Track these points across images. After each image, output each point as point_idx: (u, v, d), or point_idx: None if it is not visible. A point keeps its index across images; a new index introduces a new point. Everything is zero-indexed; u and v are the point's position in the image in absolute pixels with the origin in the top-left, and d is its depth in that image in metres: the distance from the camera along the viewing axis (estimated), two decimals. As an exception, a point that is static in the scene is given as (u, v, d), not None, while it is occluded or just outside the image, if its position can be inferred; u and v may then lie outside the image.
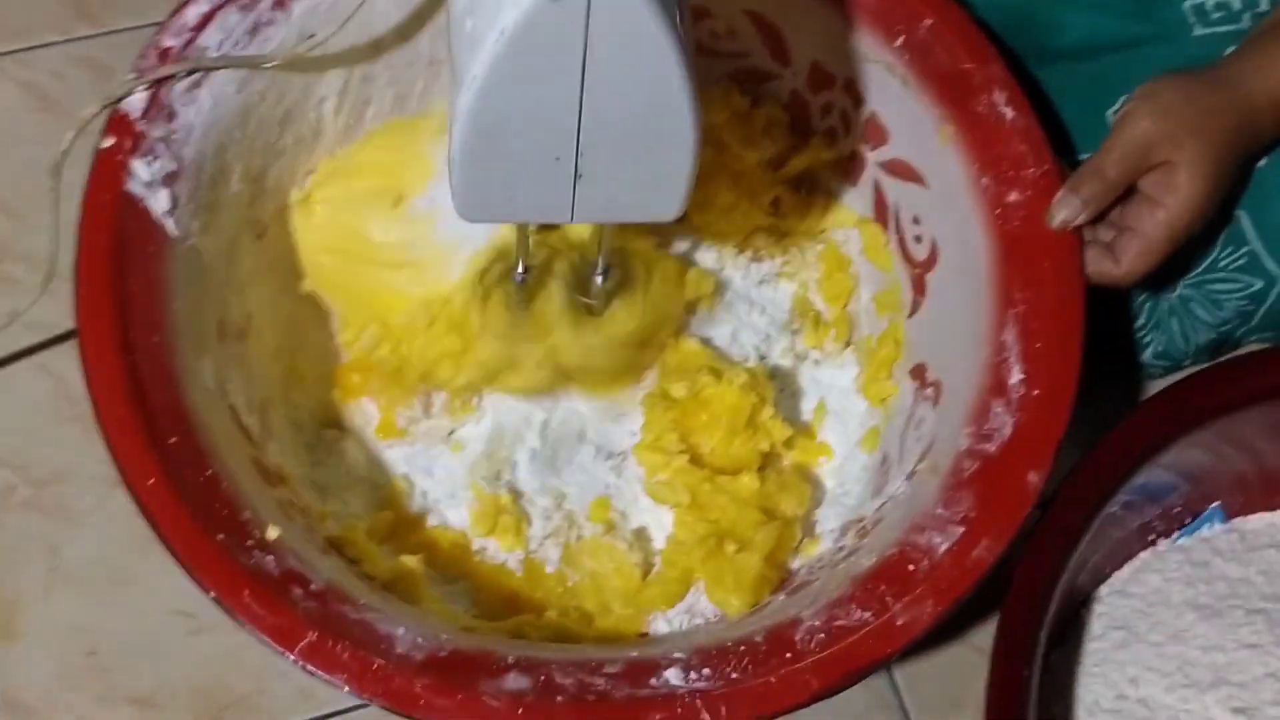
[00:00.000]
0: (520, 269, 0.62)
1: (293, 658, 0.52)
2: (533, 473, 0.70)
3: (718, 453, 0.68)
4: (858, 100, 0.70)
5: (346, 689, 0.51)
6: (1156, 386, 0.74)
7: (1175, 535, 0.70)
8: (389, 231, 0.65)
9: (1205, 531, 0.71)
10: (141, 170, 0.60)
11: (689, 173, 0.49)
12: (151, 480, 0.54)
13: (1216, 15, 0.68)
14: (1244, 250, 0.65)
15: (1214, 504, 0.70)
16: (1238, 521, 0.71)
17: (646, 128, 0.47)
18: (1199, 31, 0.68)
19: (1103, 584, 0.70)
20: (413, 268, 0.65)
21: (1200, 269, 0.67)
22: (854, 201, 0.74)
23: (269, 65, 0.62)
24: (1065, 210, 0.61)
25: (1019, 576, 0.60)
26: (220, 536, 0.54)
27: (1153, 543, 0.70)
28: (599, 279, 0.64)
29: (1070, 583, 0.62)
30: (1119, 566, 0.70)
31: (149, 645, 0.69)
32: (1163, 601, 0.68)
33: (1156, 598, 0.68)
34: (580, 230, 0.66)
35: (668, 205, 0.51)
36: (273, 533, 0.55)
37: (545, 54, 0.44)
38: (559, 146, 0.47)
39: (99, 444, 0.55)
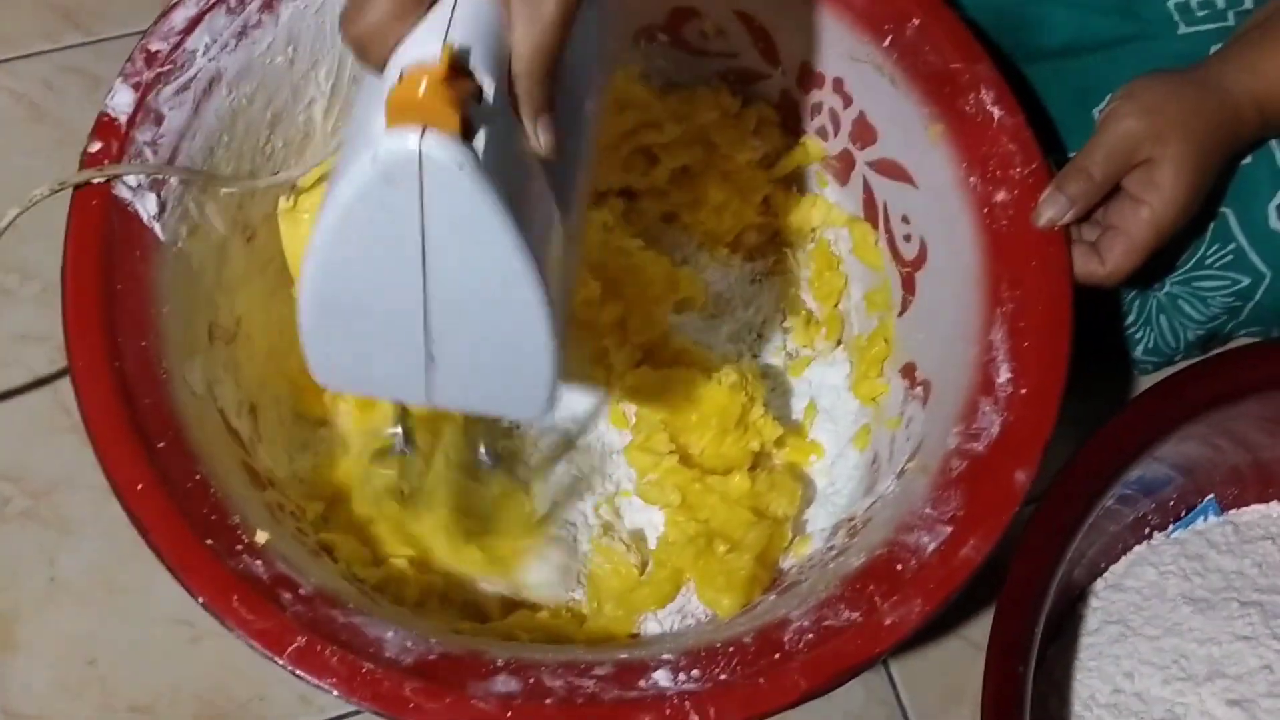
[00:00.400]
0: (400, 437, 0.61)
1: (281, 662, 0.52)
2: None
3: (708, 453, 0.69)
4: (847, 100, 0.70)
5: (335, 693, 0.51)
6: (1147, 382, 0.74)
7: (1170, 528, 0.70)
8: None
9: (1200, 524, 0.71)
10: (129, 174, 0.60)
11: (549, 372, 0.46)
12: (140, 485, 0.54)
13: (1202, 13, 0.68)
14: (1230, 247, 0.65)
15: (1208, 497, 0.70)
16: (1232, 514, 0.71)
17: (496, 318, 0.45)
18: (1184, 30, 0.68)
19: (1098, 578, 0.70)
20: None
21: (1188, 266, 0.67)
22: (844, 200, 0.74)
23: (230, 189, 0.63)
24: (1051, 209, 0.61)
25: (1014, 572, 0.60)
26: (209, 541, 0.54)
27: (1148, 536, 0.70)
28: (485, 463, 0.64)
29: (1065, 577, 0.62)
30: (1114, 560, 0.70)
31: (148, 654, 0.69)
32: (1158, 595, 0.68)
33: (1152, 591, 0.68)
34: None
35: (530, 403, 0.48)
36: (262, 537, 0.55)
37: (381, 231, 0.42)
38: (405, 326, 0.45)
39: (95, 452, 0.55)
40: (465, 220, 0.42)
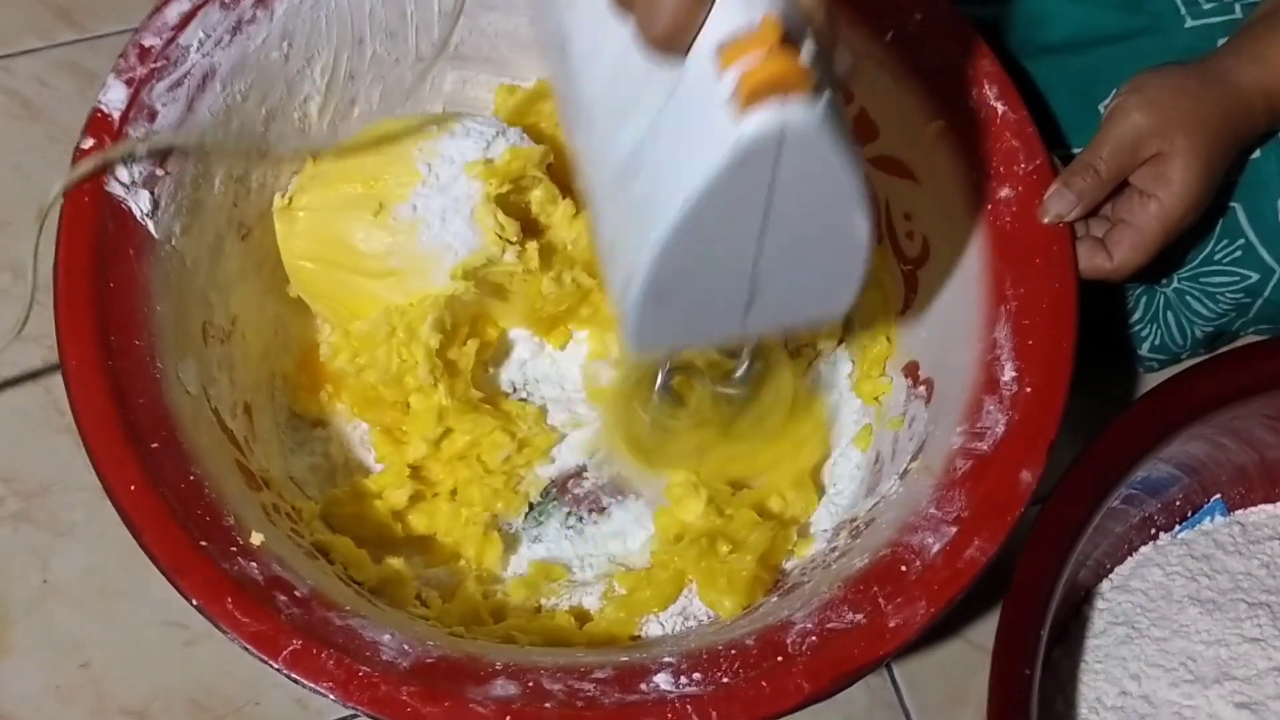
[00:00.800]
0: (661, 383, 0.62)
1: (277, 666, 0.51)
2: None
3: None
4: (847, 96, 0.69)
5: (331, 697, 0.50)
6: (1153, 379, 0.74)
7: (1176, 529, 0.70)
8: (371, 240, 0.64)
9: (1207, 524, 0.70)
10: (121, 171, 0.59)
11: (862, 274, 0.48)
12: (133, 485, 0.53)
13: (1209, 6, 0.67)
14: (1239, 243, 0.65)
15: (1215, 496, 0.69)
16: (1239, 514, 0.70)
17: (822, 244, 0.46)
18: (1191, 23, 0.67)
19: (1104, 579, 0.69)
20: (395, 276, 0.64)
21: (1195, 262, 0.66)
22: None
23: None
24: (1058, 205, 0.60)
25: (1019, 574, 0.60)
26: (203, 543, 0.53)
27: (1154, 536, 0.69)
28: (742, 372, 0.63)
29: (1071, 578, 0.62)
30: (1120, 561, 0.69)
31: (142, 657, 0.68)
32: (1165, 596, 0.67)
33: (1158, 592, 0.68)
34: None
35: (838, 305, 0.49)
36: (256, 538, 0.54)
37: (728, 216, 0.43)
38: (733, 278, 0.46)
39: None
40: (818, 173, 0.42)
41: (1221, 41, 0.65)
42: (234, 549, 0.54)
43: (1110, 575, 0.69)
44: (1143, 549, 0.70)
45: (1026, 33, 0.70)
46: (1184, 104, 0.59)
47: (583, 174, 0.50)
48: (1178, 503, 0.69)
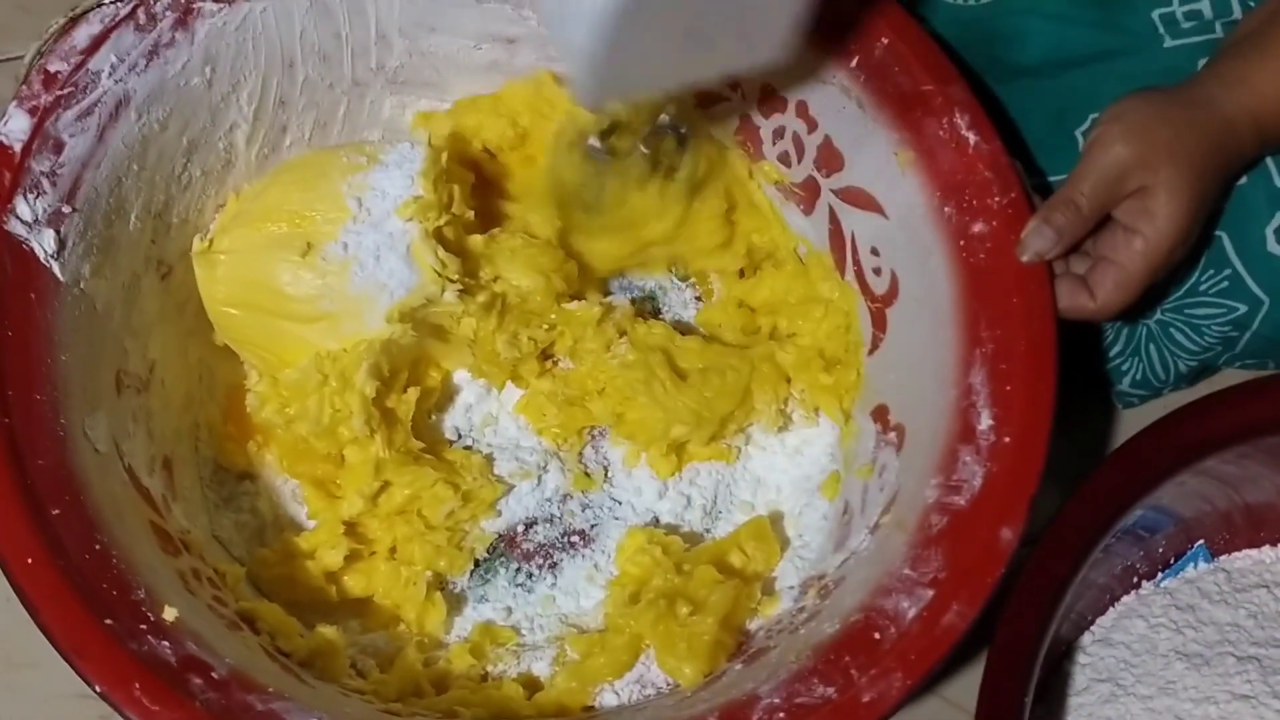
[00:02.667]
0: (598, 141, 0.62)
1: (189, 758, 0.46)
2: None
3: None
4: (811, 124, 0.66)
5: (250, 792, 0.46)
6: (1130, 416, 0.70)
7: (1159, 576, 0.66)
8: (299, 283, 0.59)
9: (1190, 571, 0.67)
10: (23, 208, 0.55)
11: (795, 14, 0.49)
12: (30, 558, 0.48)
13: (1188, 25, 0.64)
14: (1225, 273, 0.61)
15: (1198, 542, 0.66)
16: (1223, 559, 0.68)
17: None
18: (1170, 42, 0.64)
19: (1085, 631, 0.66)
20: (326, 320, 0.60)
21: (1180, 293, 0.63)
22: (808, 231, 0.70)
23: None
24: (1037, 243, 0.56)
25: (1002, 633, 0.56)
26: (108, 620, 0.48)
27: (1136, 585, 0.66)
28: (677, 136, 0.63)
29: (1053, 634, 0.58)
30: (1101, 612, 0.66)
31: (53, 733, 0.63)
32: (1149, 650, 0.64)
33: (1142, 646, 0.64)
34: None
35: (768, 48, 0.51)
36: (170, 613, 0.50)
37: None
38: (682, 15, 0.47)
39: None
40: None
41: (1202, 62, 0.62)
42: (144, 626, 0.49)
43: (1092, 628, 0.66)
44: (1125, 599, 0.66)
45: (996, 53, 0.66)
46: (1168, 133, 0.56)
47: None
48: (1160, 549, 0.66)
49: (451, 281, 0.60)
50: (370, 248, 0.60)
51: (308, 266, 0.59)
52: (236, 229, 0.60)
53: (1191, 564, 0.67)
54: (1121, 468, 0.59)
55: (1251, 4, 0.63)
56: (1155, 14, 0.64)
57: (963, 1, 0.67)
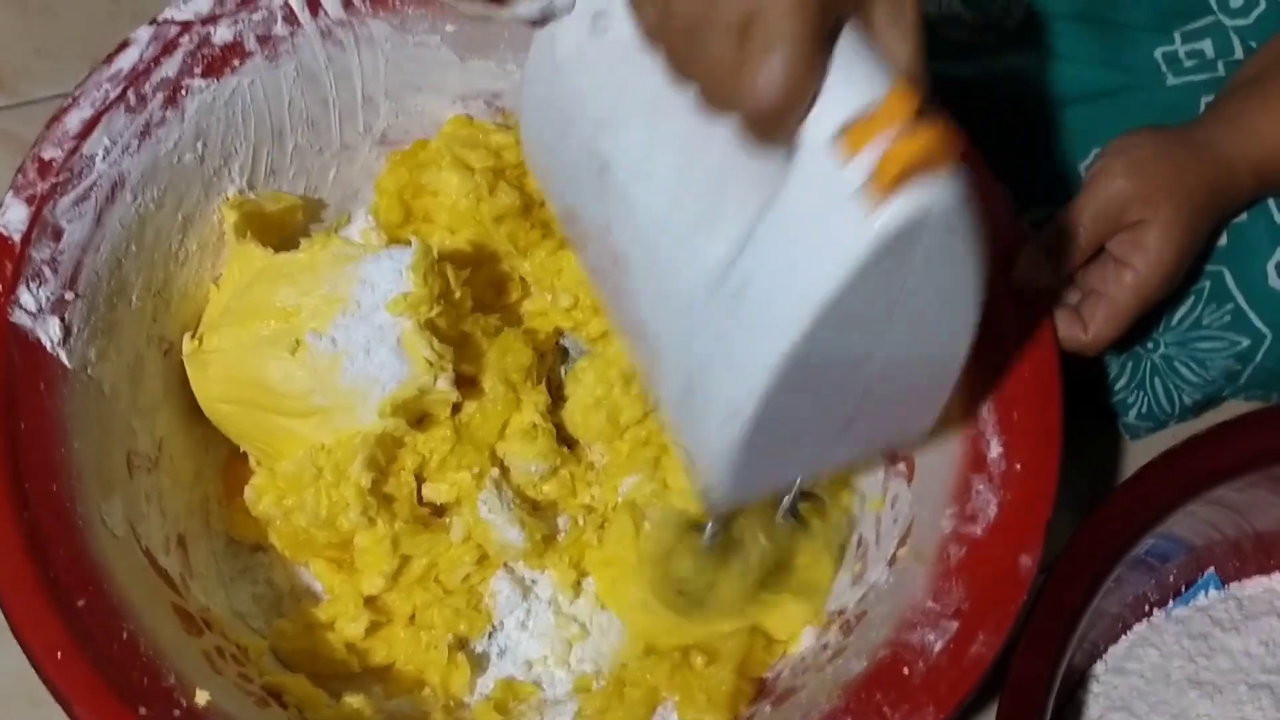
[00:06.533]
0: (712, 530, 0.56)
1: (234, 844, 0.46)
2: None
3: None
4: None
5: None
6: (1136, 446, 0.71)
7: (1171, 604, 0.67)
8: (291, 380, 0.58)
9: (1202, 599, 0.67)
10: (27, 298, 0.54)
11: (951, 391, 0.44)
12: (60, 653, 0.48)
13: (1190, 63, 0.65)
14: (1228, 307, 0.62)
15: (1209, 570, 0.66)
16: (1234, 587, 0.68)
17: (929, 360, 0.41)
18: (1173, 80, 0.65)
19: (1098, 660, 0.66)
20: (319, 415, 0.59)
21: (1184, 327, 0.64)
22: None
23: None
24: (1034, 271, 0.57)
25: (1017, 663, 0.56)
26: (142, 710, 0.48)
27: (1148, 614, 0.66)
28: (787, 514, 0.57)
29: (1067, 663, 0.58)
30: (1114, 641, 0.66)
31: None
32: (1162, 678, 0.64)
33: (1155, 674, 0.65)
34: None
35: (922, 424, 0.45)
36: (202, 697, 0.50)
37: (861, 312, 0.37)
38: (845, 398, 0.40)
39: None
40: (951, 258, 0.37)
41: (1205, 100, 0.63)
42: (177, 712, 0.49)
43: (1104, 656, 0.66)
44: (1137, 627, 0.67)
45: (1005, 90, 0.67)
46: (1170, 171, 0.57)
47: (626, 312, 0.44)
48: (1171, 577, 0.66)
49: (445, 371, 0.60)
50: (360, 341, 0.59)
51: (298, 363, 0.58)
52: (225, 327, 0.60)
53: (1203, 592, 0.67)
54: (1132, 497, 0.59)
55: (1253, 44, 0.64)
56: (1158, 52, 0.65)
57: (968, 39, 0.68)
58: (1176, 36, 0.65)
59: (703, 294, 0.40)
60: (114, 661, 0.49)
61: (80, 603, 0.50)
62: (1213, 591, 0.67)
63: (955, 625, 0.52)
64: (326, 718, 0.56)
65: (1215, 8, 0.64)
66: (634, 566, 0.60)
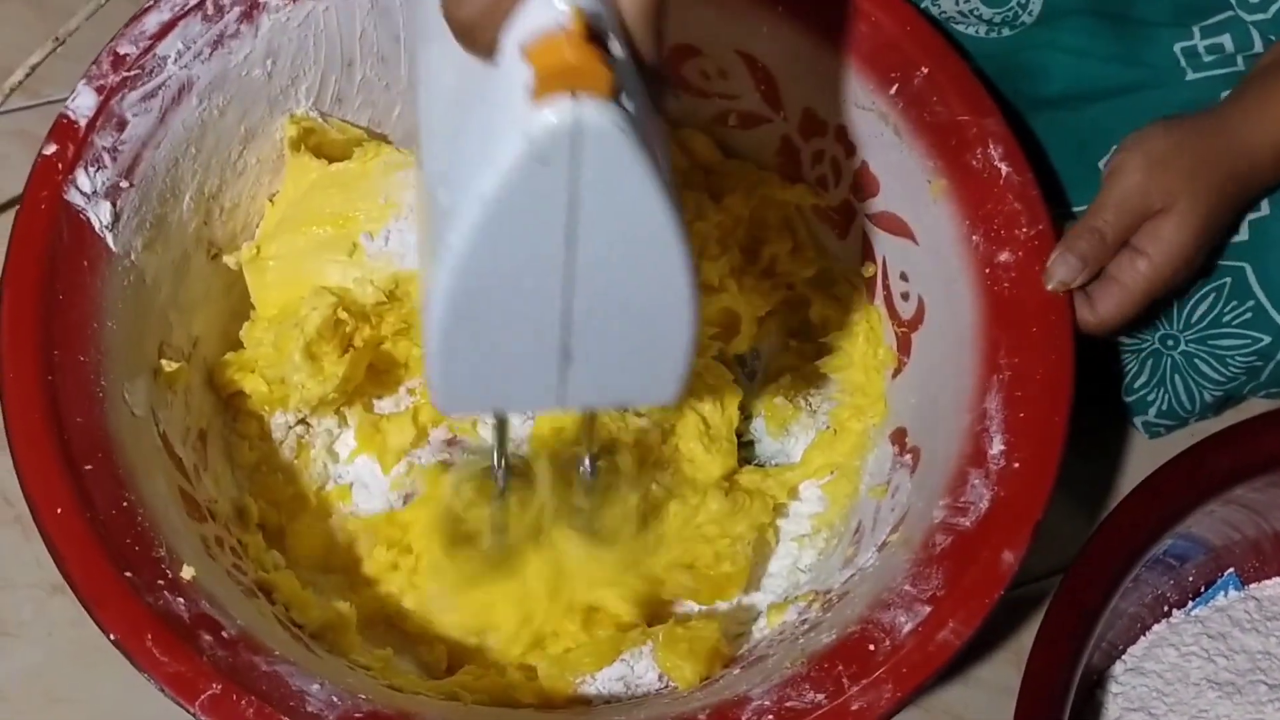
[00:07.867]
0: (500, 468, 0.57)
1: (193, 711, 0.48)
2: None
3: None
4: (849, 149, 0.67)
5: (248, 747, 0.47)
6: (1160, 444, 0.70)
7: (1190, 605, 0.66)
8: (348, 279, 0.62)
9: (1221, 600, 0.67)
10: (83, 180, 0.57)
11: (688, 351, 0.44)
12: (60, 508, 0.51)
13: (1210, 58, 0.64)
14: (1249, 304, 0.62)
15: (1229, 570, 0.66)
16: (1254, 588, 0.67)
17: (642, 296, 0.42)
18: (1192, 75, 0.64)
19: (1116, 660, 0.65)
20: None
21: (1204, 324, 0.63)
22: (841, 254, 0.71)
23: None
24: (1062, 271, 0.57)
25: (1035, 662, 0.57)
26: (128, 573, 0.50)
27: (1167, 614, 0.66)
28: (587, 473, 0.59)
29: (1085, 663, 0.58)
30: (1132, 641, 0.66)
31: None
32: (1181, 679, 0.64)
33: (1174, 674, 0.64)
34: (562, 421, 0.62)
35: (665, 388, 0.45)
36: (188, 572, 0.52)
37: (528, 221, 0.39)
38: (546, 324, 0.42)
39: (38, 546, 0.50)
40: (620, 189, 0.39)
41: (1224, 94, 0.62)
42: (161, 582, 0.51)
43: (1123, 657, 0.66)
44: (1155, 627, 0.66)
45: (1022, 86, 0.67)
46: (1188, 162, 0.56)
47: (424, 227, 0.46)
48: (1190, 578, 0.66)
49: None
50: (413, 244, 0.62)
51: (355, 263, 0.61)
52: (282, 235, 0.63)
53: (1222, 592, 0.67)
54: (1151, 497, 0.59)
55: (1273, 37, 0.63)
56: (1177, 47, 0.65)
57: (985, 35, 0.68)
58: (1195, 31, 0.64)
59: (426, 190, 0.43)
60: (109, 525, 0.51)
61: (88, 467, 0.52)
62: (1232, 592, 0.67)
63: (928, 610, 0.52)
64: (311, 618, 0.58)
65: (1234, 3, 0.63)
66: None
